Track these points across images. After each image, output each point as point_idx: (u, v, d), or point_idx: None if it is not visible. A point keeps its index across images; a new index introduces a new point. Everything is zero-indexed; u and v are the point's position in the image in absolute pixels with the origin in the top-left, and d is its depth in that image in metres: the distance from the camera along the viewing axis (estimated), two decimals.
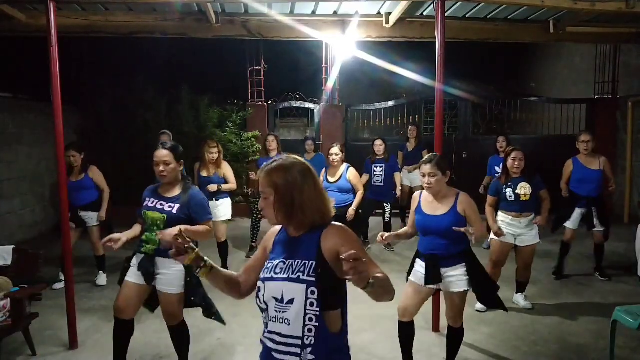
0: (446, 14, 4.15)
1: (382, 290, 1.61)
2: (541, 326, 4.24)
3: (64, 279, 5.16)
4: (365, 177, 6.54)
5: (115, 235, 3.03)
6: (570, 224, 5.35)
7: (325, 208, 1.86)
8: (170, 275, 3.13)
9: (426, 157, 3.30)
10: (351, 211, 5.47)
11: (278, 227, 1.95)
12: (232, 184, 5.61)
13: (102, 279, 5.43)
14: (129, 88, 8.84)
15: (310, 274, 1.71)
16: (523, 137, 9.67)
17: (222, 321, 3.30)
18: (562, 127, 8.88)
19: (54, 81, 3.80)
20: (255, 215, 6.36)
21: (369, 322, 4.25)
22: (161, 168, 3.10)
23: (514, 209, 4.42)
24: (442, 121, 4.10)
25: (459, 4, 5.16)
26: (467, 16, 5.77)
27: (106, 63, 10.09)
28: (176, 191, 3.19)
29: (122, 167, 8.17)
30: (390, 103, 9.64)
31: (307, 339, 1.72)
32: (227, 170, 5.62)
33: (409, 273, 3.42)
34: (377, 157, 6.56)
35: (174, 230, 2.97)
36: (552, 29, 6.02)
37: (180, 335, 3.32)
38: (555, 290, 5.15)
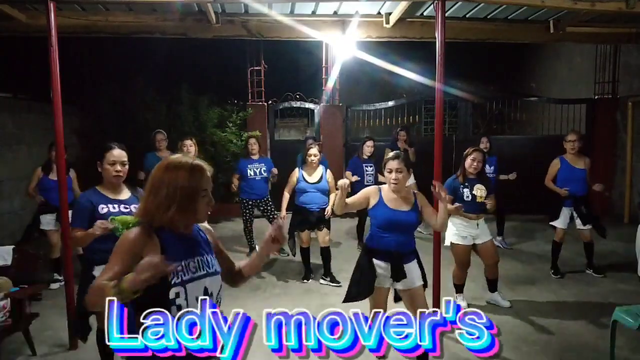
0: (446, 14, 4.15)
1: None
2: (541, 326, 4.24)
3: (61, 278, 5.17)
4: (349, 174, 6.43)
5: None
6: (559, 224, 5.44)
7: None
8: None
9: (391, 153, 3.30)
10: (330, 210, 5.39)
11: (133, 232, 1.75)
12: None
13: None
14: (129, 88, 8.83)
15: (219, 263, 1.92)
16: (523, 137, 9.71)
17: None
18: (562, 127, 8.87)
19: (54, 81, 3.80)
20: (247, 217, 6.37)
21: None
22: (118, 168, 3.07)
23: (469, 209, 4.39)
24: (442, 121, 4.11)
25: (459, 4, 5.16)
26: (467, 16, 5.77)
27: (106, 63, 10.08)
28: (126, 192, 3.17)
29: None
30: (390, 103, 9.65)
31: None
32: None
33: (363, 284, 3.23)
34: (368, 157, 6.55)
35: None
36: (552, 29, 6.02)
37: None
38: (555, 290, 5.15)
